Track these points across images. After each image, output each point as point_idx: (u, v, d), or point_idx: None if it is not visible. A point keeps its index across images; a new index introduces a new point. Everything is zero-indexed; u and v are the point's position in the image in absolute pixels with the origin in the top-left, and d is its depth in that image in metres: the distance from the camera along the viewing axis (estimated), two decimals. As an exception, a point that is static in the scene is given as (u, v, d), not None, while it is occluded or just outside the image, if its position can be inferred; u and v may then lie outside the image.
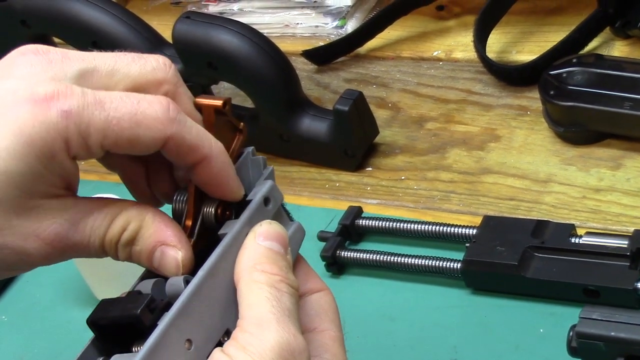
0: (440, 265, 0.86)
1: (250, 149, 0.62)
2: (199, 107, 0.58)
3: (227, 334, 0.55)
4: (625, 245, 0.80)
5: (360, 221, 0.92)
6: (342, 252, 0.90)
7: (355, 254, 0.90)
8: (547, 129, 0.98)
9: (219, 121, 0.58)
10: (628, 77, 0.93)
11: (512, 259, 0.82)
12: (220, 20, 1.01)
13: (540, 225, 0.85)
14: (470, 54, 1.09)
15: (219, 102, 0.58)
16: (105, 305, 0.55)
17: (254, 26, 1.01)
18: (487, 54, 1.06)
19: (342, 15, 1.22)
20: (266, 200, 0.59)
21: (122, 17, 1.06)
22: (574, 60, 0.97)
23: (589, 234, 0.83)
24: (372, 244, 0.93)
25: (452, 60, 1.12)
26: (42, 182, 0.53)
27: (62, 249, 0.55)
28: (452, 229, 0.88)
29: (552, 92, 0.95)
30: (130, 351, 0.53)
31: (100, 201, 0.56)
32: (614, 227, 0.87)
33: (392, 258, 0.88)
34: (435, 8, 1.20)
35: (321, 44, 1.20)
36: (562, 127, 0.96)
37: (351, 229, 0.92)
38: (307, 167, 1.04)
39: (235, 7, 1.28)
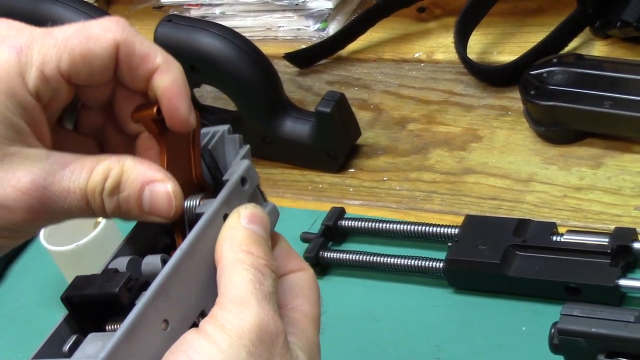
0: (423, 264, 0.86)
1: (226, 127, 0.61)
2: (138, 122, 0.57)
3: (202, 314, 0.55)
4: (606, 243, 0.81)
5: (343, 222, 0.93)
6: (325, 253, 0.91)
7: (338, 254, 0.90)
8: (528, 128, 0.98)
9: (163, 127, 0.57)
10: (608, 76, 0.94)
11: (494, 258, 0.83)
12: (203, 24, 1.01)
13: (521, 224, 0.85)
14: (452, 55, 1.10)
15: (152, 110, 0.56)
16: (80, 282, 0.54)
17: (236, 30, 1.02)
18: (468, 55, 1.06)
19: (323, 18, 1.22)
20: (243, 180, 0.59)
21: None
22: (554, 60, 0.97)
23: (570, 232, 0.83)
24: (355, 244, 0.93)
25: (433, 62, 1.13)
26: (6, 127, 0.52)
27: (41, 201, 0.53)
28: (435, 228, 0.88)
29: (532, 92, 0.96)
30: (104, 329, 0.53)
31: (75, 154, 0.55)
32: (595, 225, 0.87)
33: (375, 258, 0.88)
34: (416, 10, 1.20)
35: (303, 46, 1.20)
36: (543, 126, 0.96)
37: (334, 230, 0.93)
38: (290, 169, 1.05)
39: (217, 10, 1.28)
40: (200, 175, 0.59)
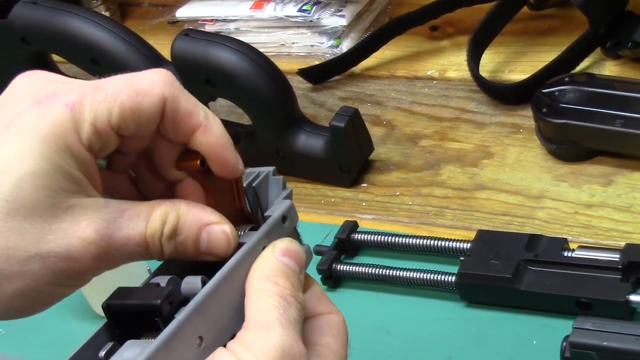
0: (435, 278, 0.87)
1: (272, 169, 0.64)
2: (182, 170, 0.60)
3: (234, 337, 0.56)
4: (617, 259, 0.82)
5: (356, 235, 0.94)
6: (338, 266, 0.91)
7: (351, 267, 0.91)
8: (539, 146, 0.99)
9: (208, 174, 0.59)
10: (619, 95, 0.95)
11: (506, 272, 0.83)
12: (219, 38, 1.02)
13: (533, 239, 0.86)
14: (464, 73, 1.11)
15: (196, 162, 0.58)
16: (122, 292, 0.55)
17: (250, 45, 1.03)
18: (480, 73, 1.07)
19: (337, 34, 1.24)
20: (284, 218, 0.62)
21: (121, 34, 1.07)
22: (566, 79, 0.99)
23: (581, 247, 0.84)
24: (367, 257, 0.94)
25: (445, 80, 1.14)
26: (67, 180, 0.54)
27: (106, 249, 0.55)
28: (447, 242, 0.89)
29: (544, 110, 0.97)
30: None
31: (130, 202, 0.57)
32: (605, 242, 0.88)
33: (388, 271, 0.89)
34: (429, 28, 1.21)
35: (316, 62, 1.21)
36: (554, 144, 0.97)
37: (347, 243, 0.94)
38: (303, 183, 1.06)
39: (232, 26, 1.29)
40: (244, 209, 0.61)
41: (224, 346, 0.55)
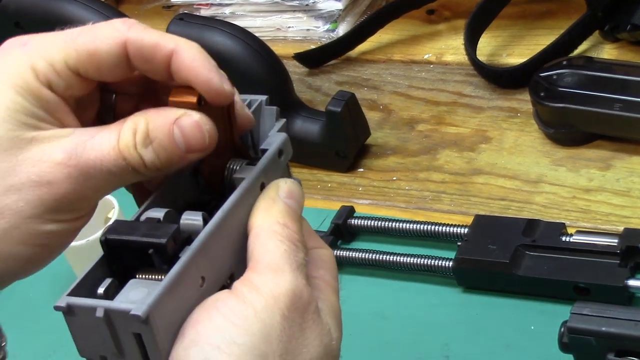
0: (432, 263, 0.87)
1: (264, 97, 0.62)
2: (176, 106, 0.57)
3: (231, 278, 0.55)
4: (615, 244, 0.81)
5: (353, 221, 0.93)
6: (335, 251, 0.91)
7: (347, 252, 0.90)
8: (537, 130, 0.99)
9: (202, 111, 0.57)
10: (618, 79, 0.94)
11: (504, 257, 0.83)
12: (214, 22, 1.02)
13: (531, 224, 0.86)
14: (461, 57, 1.10)
15: (192, 99, 0.55)
16: (120, 226, 0.54)
17: (245, 29, 1.02)
18: (477, 57, 1.07)
19: (333, 18, 1.23)
20: (280, 152, 0.60)
21: (115, 18, 1.07)
22: (564, 63, 0.98)
23: (579, 232, 0.84)
24: (364, 243, 0.93)
25: (442, 63, 1.13)
26: (28, 115, 0.54)
27: (78, 168, 0.53)
28: (444, 228, 0.89)
29: (542, 94, 0.96)
30: (134, 277, 0.53)
31: (98, 126, 0.56)
32: (603, 227, 0.87)
33: (385, 257, 0.89)
34: (426, 12, 1.21)
35: (312, 47, 1.20)
36: (552, 128, 0.97)
37: (343, 229, 0.93)
38: (299, 168, 1.05)
39: (227, 10, 1.29)
40: (239, 141, 0.59)
41: (224, 287, 0.55)
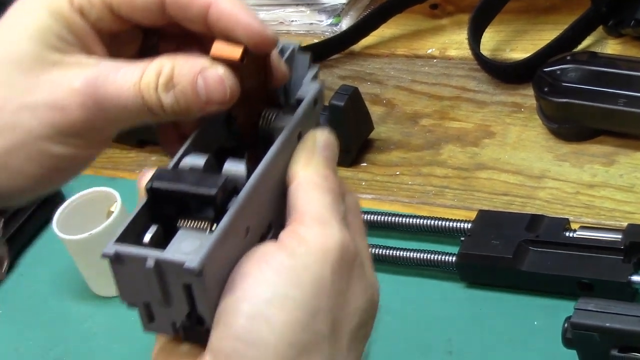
0: (435, 258, 0.86)
1: (297, 44, 0.60)
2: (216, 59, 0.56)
3: (269, 227, 0.55)
4: (619, 239, 0.81)
5: (356, 215, 0.93)
6: (338, 246, 0.91)
7: (350, 247, 0.90)
8: (540, 125, 0.99)
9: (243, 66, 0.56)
10: (622, 74, 0.94)
11: (507, 253, 0.83)
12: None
13: (534, 220, 0.85)
14: (464, 51, 1.10)
15: (236, 55, 0.54)
16: (165, 175, 0.53)
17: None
18: (481, 51, 1.07)
19: (336, 12, 1.23)
20: (315, 101, 0.59)
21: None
22: (568, 58, 0.98)
23: (582, 228, 0.84)
24: (367, 238, 0.93)
25: (446, 58, 1.13)
26: (58, 38, 0.54)
27: (94, 98, 0.53)
28: (447, 223, 0.89)
29: (546, 89, 0.96)
30: (174, 226, 0.52)
31: (125, 61, 0.55)
32: (607, 222, 0.87)
33: (387, 251, 0.89)
34: (429, 7, 1.20)
35: (315, 41, 1.20)
36: (555, 123, 0.96)
37: (346, 223, 0.93)
38: (302, 162, 1.05)
39: (230, 4, 1.28)
40: (273, 91, 0.58)
41: (264, 237, 0.54)
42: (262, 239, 0.55)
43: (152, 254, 0.50)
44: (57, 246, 0.96)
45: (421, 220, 0.90)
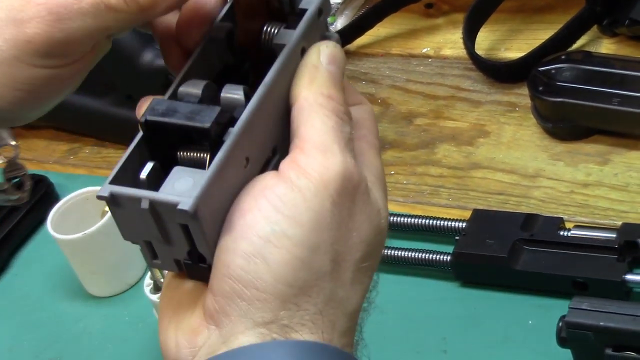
0: (430, 257, 0.86)
1: None
2: None
3: (274, 152, 0.53)
4: (614, 238, 0.81)
5: (351, 215, 0.93)
6: (333, 245, 0.91)
7: (345, 247, 0.90)
8: (535, 124, 0.99)
9: None
10: (616, 73, 0.94)
11: (502, 252, 0.83)
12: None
13: (529, 219, 0.86)
14: (459, 51, 1.10)
15: None
16: (160, 106, 0.51)
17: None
18: (476, 51, 1.07)
19: (332, 12, 1.23)
20: (320, 12, 0.55)
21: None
22: (563, 57, 0.98)
23: (577, 227, 0.84)
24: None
25: (441, 58, 1.13)
26: None
27: (49, 8, 0.52)
28: (442, 222, 0.89)
29: (541, 88, 0.96)
30: (174, 156, 0.51)
31: None
32: (602, 222, 0.87)
33: (383, 251, 0.88)
34: (424, 6, 1.20)
35: (311, 40, 1.20)
36: (550, 122, 0.97)
37: (341, 223, 0.93)
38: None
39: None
40: (275, 3, 0.55)
41: (268, 161, 0.53)
42: (267, 164, 0.53)
43: (147, 195, 0.49)
44: (52, 246, 0.96)
45: (416, 220, 0.90)
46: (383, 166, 0.56)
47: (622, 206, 0.88)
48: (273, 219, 0.49)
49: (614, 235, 0.81)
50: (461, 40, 1.08)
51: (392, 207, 0.95)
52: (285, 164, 0.51)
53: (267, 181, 0.50)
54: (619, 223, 0.84)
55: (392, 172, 1.00)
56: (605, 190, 0.90)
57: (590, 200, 0.90)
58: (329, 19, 1.21)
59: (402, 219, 0.91)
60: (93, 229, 0.91)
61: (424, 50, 1.15)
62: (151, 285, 0.87)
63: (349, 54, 1.18)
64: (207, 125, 0.50)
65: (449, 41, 1.14)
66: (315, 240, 0.49)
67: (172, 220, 0.49)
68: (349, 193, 0.51)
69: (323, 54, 0.53)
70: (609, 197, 0.90)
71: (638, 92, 0.92)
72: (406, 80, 1.11)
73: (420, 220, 0.90)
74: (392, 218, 0.91)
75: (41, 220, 1.03)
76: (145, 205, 0.49)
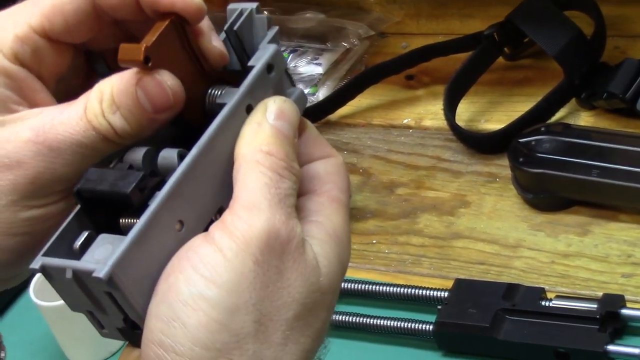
0: (413, 327, 0.87)
1: (255, 5, 0.56)
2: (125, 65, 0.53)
3: (220, 212, 0.52)
4: (595, 309, 0.82)
5: (333, 283, 0.93)
6: (315, 314, 0.91)
7: (328, 315, 0.90)
8: (515, 195, 1.00)
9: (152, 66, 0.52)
10: (595, 145, 0.96)
11: (484, 321, 0.83)
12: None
13: (511, 289, 0.86)
14: (440, 122, 1.12)
15: (139, 57, 0.50)
16: (93, 175, 0.51)
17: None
18: (456, 122, 1.08)
19: (313, 82, 1.24)
20: (269, 67, 0.54)
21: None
22: (543, 129, 0.99)
23: (558, 297, 0.84)
24: (344, 306, 0.93)
25: (421, 128, 1.14)
26: None
27: (47, 144, 0.51)
28: (424, 291, 0.89)
29: (521, 160, 0.97)
30: (117, 224, 0.50)
31: (68, 102, 0.53)
32: (582, 292, 0.88)
33: (364, 320, 0.89)
34: (405, 77, 1.22)
35: (293, 110, 1.21)
36: (530, 193, 0.98)
37: (324, 291, 0.93)
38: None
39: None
40: (205, 67, 0.54)
41: (213, 221, 0.51)
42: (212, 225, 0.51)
43: (69, 264, 0.48)
44: (33, 313, 0.95)
45: (398, 289, 0.90)
46: (347, 223, 0.54)
47: (602, 277, 0.89)
48: (192, 281, 0.48)
49: (595, 306, 0.82)
50: (442, 112, 1.09)
51: (374, 276, 0.96)
52: (213, 225, 0.50)
53: (193, 243, 0.50)
54: (600, 293, 0.85)
55: (374, 241, 1.00)
56: (585, 261, 0.91)
57: (571, 271, 0.91)
58: (310, 90, 1.22)
59: (384, 288, 0.91)
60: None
61: (405, 121, 1.16)
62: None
63: (330, 124, 1.19)
64: (127, 190, 0.49)
65: (429, 112, 1.16)
66: (235, 301, 0.48)
67: (98, 289, 0.48)
68: (275, 251, 0.49)
69: (270, 110, 0.52)
70: (590, 268, 0.90)
71: (617, 164, 0.93)
72: (387, 151, 1.13)
73: (402, 290, 0.90)
74: (374, 287, 0.91)
75: (24, 286, 1.02)
76: (69, 275, 0.48)
